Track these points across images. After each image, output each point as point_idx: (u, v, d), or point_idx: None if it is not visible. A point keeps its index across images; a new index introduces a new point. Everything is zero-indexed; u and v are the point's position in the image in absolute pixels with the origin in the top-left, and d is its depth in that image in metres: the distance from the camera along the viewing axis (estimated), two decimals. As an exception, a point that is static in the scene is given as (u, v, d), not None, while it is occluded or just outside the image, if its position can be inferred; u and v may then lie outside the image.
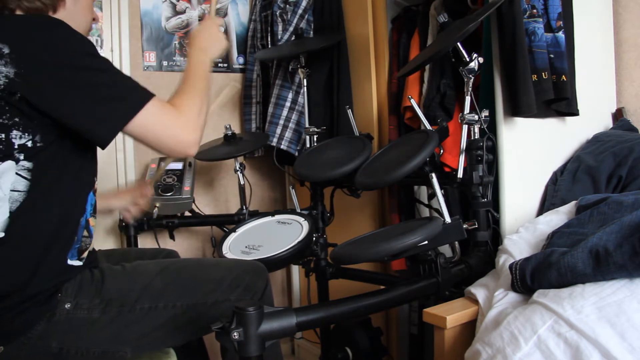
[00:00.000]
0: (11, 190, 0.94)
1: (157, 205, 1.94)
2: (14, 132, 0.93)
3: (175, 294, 1.09)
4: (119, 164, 2.18)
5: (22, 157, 0.94)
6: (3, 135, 0.92)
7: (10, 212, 0.94)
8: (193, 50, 1.20)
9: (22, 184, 0.95)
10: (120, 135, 2.38)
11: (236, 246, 1.61)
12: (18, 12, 1.03)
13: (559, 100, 1.33)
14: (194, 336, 1.23)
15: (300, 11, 2.10)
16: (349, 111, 1.75)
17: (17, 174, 0.94)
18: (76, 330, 1.01)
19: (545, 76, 1.28)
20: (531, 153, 1.38)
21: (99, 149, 1.08)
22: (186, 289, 1.11)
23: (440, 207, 1.23)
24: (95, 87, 0.95)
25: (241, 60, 2.48)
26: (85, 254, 1.07)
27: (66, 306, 1.00)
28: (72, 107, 0.94)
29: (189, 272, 1.16)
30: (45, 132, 0.95)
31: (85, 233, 1.07)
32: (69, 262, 1.03)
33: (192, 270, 1.17)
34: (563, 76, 1.31)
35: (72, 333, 1.01)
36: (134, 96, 0.99)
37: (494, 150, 1.29)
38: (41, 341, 0.98)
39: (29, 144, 0.94)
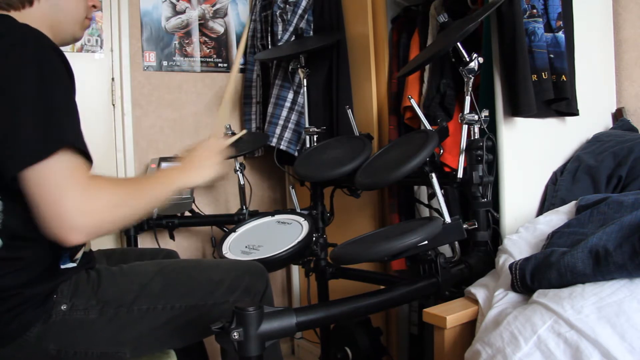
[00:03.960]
0: None
1: (157, 205, 1.94)
2: None
3: (174, 295, 1.09)
4: (118, 164, 2.19)
5: None
6: None
7: None
8: (177, 168, 1.06)
9: None
10: (120, 135, 2.38)
11: (236, 246, 1.61)
12: None
13: (559, 100, 1.33)
14: (194, 338, 1.22)
15: (300, 11, 2.10)
16: (349, 111, 1.75)
17: None
18: (73, 331, 1.00)
19: (545, 76, 1.28)
20: (531, 153, 1.38)
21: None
22: (185, 290, 1.10)
23: (440, 207, 1.23)
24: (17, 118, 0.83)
25: (241, 60, 2.48)
26: (78, 255, 1.06)
27: (62, 307, 1.00)
28: None
29: (187, 273, 1.15)
30: None
31: None
32: (62, 266, 1.02)
33: (191, 271, 1.16)
34: (563, 76, 1.31)
35: (69, 334, 1.00)
36: (47, 142, 0.82)
37: (494, 150, 1.29)
38: (39, 343, 0.98)
39: None
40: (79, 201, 0.82)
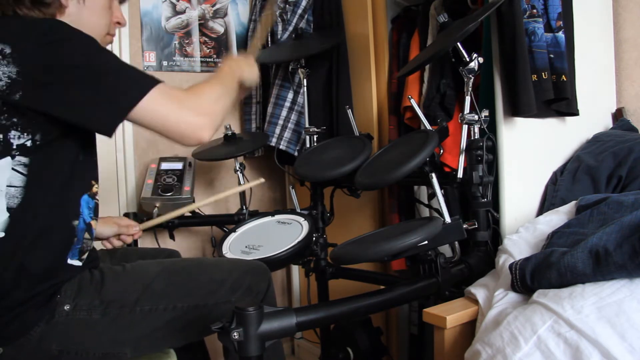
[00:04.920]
0: (7, 186, 0.93)
1: (157, 205, 1.94)
2: (13, 132, 0.92)
3: (176, 296, 1.09)
4: (119, 164, 2.18)
5: (18, 154, 0.94)
6: (1, 136, 0.92)
7: (8, 209, 0.94)
8: (231, 62, 1.24)
9: (19, 180, 0.94)
10: (120, 135, 2.38)
11: (236, 246, 1.61)
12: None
13: (559, 100, 1.33)
14: (195, 338, 1.22)
15: (300, 11, 2.10)
16: (349, 111, 1.75)
17: (13, 169, 0.94)
18: (76, 331, 1.00)
19: (545, 76, 1.28)
20: (531, 153, 1.38)
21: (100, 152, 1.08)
22: (187, 290, 1.11)
23: (440, 207, 1.23)
24: (96, 81, 0.94)
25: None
26: (85, 255, 1.07)
27: (65, 308, 1.00)
28: (73, 104, 0.93)
29: (189, 273, 1.15)
30: (46, 131, 0.95)
31: (87, 235, 1.06)
32: (69, 261, 1.02)
33: (193, 271, 1.16)
34: (563, 76, 1.31)
35: (72, 335, 1.00)
36: (138, 85, 0.97)
37: (494, 150, 1.29)
38: (41, 343, 0.98)
39: (29, 143, 0.94)
40: (194, 106, 1.02)
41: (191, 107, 1.01)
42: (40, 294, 0.97)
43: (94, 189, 1.10)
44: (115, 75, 0.97)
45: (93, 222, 1.09)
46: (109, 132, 0.97)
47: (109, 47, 1.25)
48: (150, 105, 0.96)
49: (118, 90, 0.96)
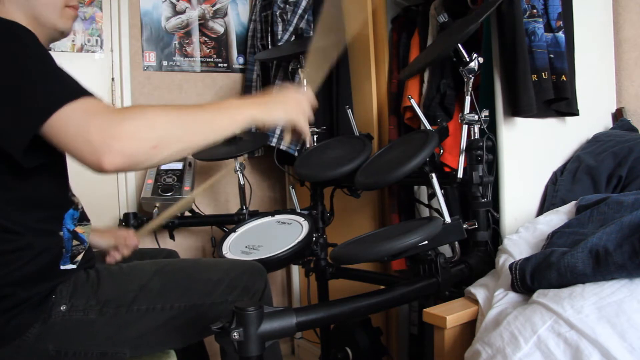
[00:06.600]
0: None
1: (157, 205, 1.94)
2: None
3: (173, 295, 1.09)
4: (119, 164, 2.18)
5: None
6: None
7: None
8: (250, 100, 1.01)
9: None
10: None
11: (236, 246, 1.61)
12: None
13: (559, 100, 1.33)
14: (194, 338, 1.22)
15: (300, 11, 2.10)
16: (349, 111, 1.75)
17: None
18: (73, 332, 1.00)
19: (545, 76, 1.28)
20: (531, 153, 1.38)
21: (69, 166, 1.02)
22: (184, 290, 1.10)
23: (440, 207, 1.23)
24: (8, 91, 0.82)
25: (241, 60, 2.49)
26: (79, 258, 1.06)
27: (61, 308, 1.00)
28: None
29: (186, 272, 1.15)
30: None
31: (75, 242, 1.05)
32: (62, 267, 1.02)
33: (190, 271, 1.16)
34: (563, 76, 1.31)
35: (68, 335, 1.00)
36: (53, 95, 0.81)
37: (494, 150, 1.29)
38: (38, 344, 0.97)
39: None
40: (105, 125, 0.79)
41: (104, 127, 0.79)
42: (35, 295, 0.97)
43: (75, 200, 1.10)
44: (34, 84, 0.83)
45: (78, 228, 1.07)
46: (19, 157, 0.82)
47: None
48: (62, 120, 0.80)
49: (28, 104, 0.81)
